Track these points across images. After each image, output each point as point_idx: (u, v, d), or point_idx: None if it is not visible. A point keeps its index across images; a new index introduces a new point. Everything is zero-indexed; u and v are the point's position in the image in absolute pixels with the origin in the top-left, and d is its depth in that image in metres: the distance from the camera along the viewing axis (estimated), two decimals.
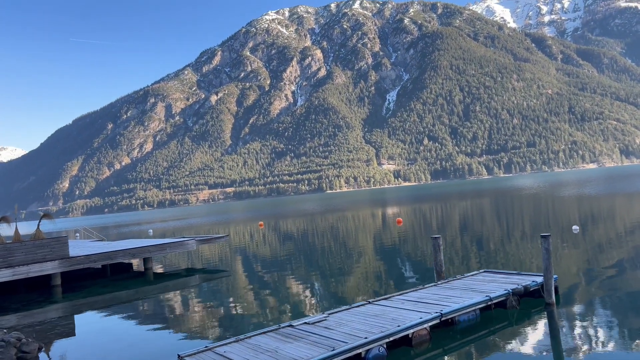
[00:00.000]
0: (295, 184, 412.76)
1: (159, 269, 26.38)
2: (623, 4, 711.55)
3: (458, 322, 10.86)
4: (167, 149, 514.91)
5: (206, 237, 26.87)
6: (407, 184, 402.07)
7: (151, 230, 61.24)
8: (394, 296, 12.32)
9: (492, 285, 12.70)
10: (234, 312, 15.34)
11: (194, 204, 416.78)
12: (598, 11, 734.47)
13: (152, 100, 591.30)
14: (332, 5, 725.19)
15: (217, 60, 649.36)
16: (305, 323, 10.45)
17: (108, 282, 23.70)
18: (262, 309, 15.35)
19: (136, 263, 28.67)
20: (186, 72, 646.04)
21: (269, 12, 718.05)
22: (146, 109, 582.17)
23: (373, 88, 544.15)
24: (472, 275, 14.20)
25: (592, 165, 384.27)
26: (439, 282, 13.44)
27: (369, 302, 11.87)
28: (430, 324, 10.07)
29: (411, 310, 10.83)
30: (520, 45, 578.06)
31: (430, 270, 18.97)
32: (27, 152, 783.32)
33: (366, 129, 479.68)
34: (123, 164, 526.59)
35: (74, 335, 14.75)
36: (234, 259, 28.02)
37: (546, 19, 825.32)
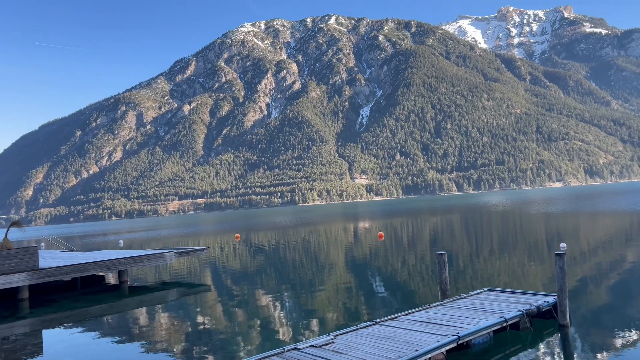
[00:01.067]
0: (267, 197, 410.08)
1: (130, 282, 24.92)
2: (588, 30, 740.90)
3: (473, 344, 10.16)
4: (137, 158, 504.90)
5: (185, 250, 25.60)
6: (379, 198, 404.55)
7: (121, 241, 59.01)
8: (400, 316, 11.52)
9: (501, 305, 12.07)
10: (224, 332, 14.24)
11: (163, 214, 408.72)
12: (564, 35, 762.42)
13: (123, 108, 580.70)
14: (308, 19, 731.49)
15: (191, 70, 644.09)
16: (312, 346, 9.53)
17: (79, 296, 22.19)
18: (255, 329, 14.29)
19: (109, 276, 27.13)
20: (159, 80, 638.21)
21: (245, 24, 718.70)
22: (117, 117, 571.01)
23: (347, 103, 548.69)
24: (477, 294, 13.55)
25: (558, 184, 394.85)
26: (444, 301, 12.73)
27: (376, 323, 11.04)
28: (447, 347, 9.31)
29: (423, 332, 10.06)
30: (490, 65, 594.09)
31: (426, 287, 18.32)
32: None
33: (340, 143, 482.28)
34: (91, 172, 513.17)
35: (42, 354, 13.46)
36: (210, 273, 26.77)
37: (515, 41, 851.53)
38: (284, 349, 9.48)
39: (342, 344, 9.52)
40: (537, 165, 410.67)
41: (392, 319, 11.34)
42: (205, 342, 13.13)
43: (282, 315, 15.77)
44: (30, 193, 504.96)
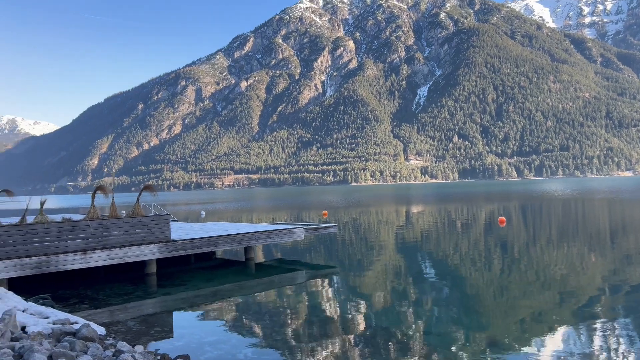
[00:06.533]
0: (320, 175, 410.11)
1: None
2: None
3: None
4: (195, 132, 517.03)
5: (315, 226, 22.82)
6: (434, 181, 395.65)
7: (203, 212, 57.76)
8: None
9: None
10: (405, 330, 10.97)
11: (219, 188, 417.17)
12: None
13: (183, 83, 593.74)
14: None
15: (249, 46, 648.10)
16: None
17: (206, 272, 19.82)
18: (448, 328, 10.76)
19: (221, 251, 24.79)
20: (218, 56, 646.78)
21: (303, 0, 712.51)
22: (177, 92, 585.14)
23: (404, 82, 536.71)
24: None
25: (627, 173, 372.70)
26: None
27: None
28: None
29: None
30: (558, 45, 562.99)
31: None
32: (59, 127, 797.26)
33: (395, 123, 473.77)
34: (152, 144, 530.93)
35: (172, 336, 11.23)
36: (323, 251, 23.98)
37: (587, 20, 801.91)
38: None
39: None
40: (604, 152, 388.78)
41: None
42: (374, 340, 9.96)
43: (474, 313, 12.32)
44: (96, 162, 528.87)
